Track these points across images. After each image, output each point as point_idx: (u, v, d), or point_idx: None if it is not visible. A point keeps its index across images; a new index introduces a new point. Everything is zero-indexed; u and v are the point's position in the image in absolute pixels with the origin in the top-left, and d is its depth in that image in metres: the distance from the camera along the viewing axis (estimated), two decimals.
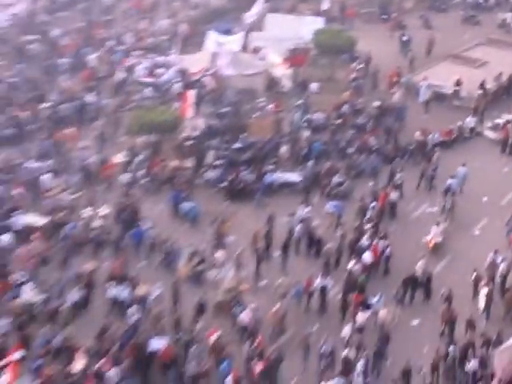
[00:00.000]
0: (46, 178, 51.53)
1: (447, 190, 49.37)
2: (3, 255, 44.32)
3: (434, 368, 35.70)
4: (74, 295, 41.00)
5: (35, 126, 58.85)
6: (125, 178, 52.02)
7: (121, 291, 41.31)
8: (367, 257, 42.88)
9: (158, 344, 37.28)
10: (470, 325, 37.46)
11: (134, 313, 39.46)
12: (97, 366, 35.77)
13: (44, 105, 60.60)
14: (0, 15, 74.47)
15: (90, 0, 79.86)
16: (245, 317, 38.65)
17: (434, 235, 45.78)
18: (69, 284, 41.89)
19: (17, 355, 36.54)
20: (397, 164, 53.13)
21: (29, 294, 41.64)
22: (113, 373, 35.91)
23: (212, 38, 67.31)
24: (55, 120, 58.98)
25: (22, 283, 42.02)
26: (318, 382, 34.93)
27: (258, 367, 35.46)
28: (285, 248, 44.38)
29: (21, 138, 58.06)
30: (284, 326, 39.01)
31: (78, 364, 36.07)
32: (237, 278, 42.39)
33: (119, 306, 40.60)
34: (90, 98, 62.16)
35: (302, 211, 46.78)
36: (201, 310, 39.68)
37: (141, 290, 41.43)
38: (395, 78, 63.64)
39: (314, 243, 45.12)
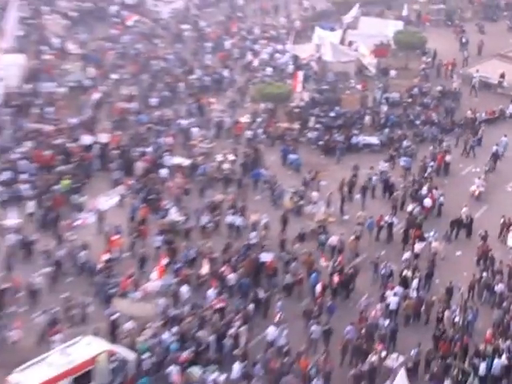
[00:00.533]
0: (192, 131, 55.22)
1: (493, 155, 53.54)
2: (158, 185, 47.75)
3: (471, 288, 39.15)
4: (205, 218, 44.26)
5: (185, 92, 62.11)
6: (248, 134, 55.59)
7: (236, 218, 44.61)
8: (427, 202, 46.50)
9: (266, 257, 40.12)
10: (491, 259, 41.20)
11: (251, 235, 42.49)
12: (220, 270, 39.40)
13: (192, 77, 64.28)
14: (163, 9, 77.11)
15: (229, 0, 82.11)
16: (333, 240, 41.82)
17: (477, 186, 49.48)
18: (203, 210, 45.04)
19: (164, 261, 40.06)
20: (452, 134, 57.71)
21: (173, 215, 44.95)
22: (231, 276, 39.17)
23: (318, 33, 70.01)
24: (200, 88, 62.48)
25: (169, 207, 45.41)
26: (382, 291, 37.96)
27: (338, 279, 38.68)
28: (363, 191, 47.87)
29: (174, 100, 60.80)
30: (359, 250, 42.32)
31: (205, 269, 39.51)
32: (326, 212, 45.58)
33: (236, 229, 43.85)
34: (225, 73, 65.98)
35: (381, 165, 50.47)
36: (300, 236, 42.55)
37: (253, 217, 44.54)
38: (450, 67, 68.49)
39: (387, 189, 48.78)
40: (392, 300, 37.81)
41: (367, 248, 43.21)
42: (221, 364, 33.66)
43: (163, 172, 49.89)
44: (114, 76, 63.95)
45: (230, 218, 45.22)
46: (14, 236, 42.29)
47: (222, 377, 32.48)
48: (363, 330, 35.33)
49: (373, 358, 33.39)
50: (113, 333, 35.52)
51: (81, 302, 37.50)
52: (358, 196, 48.59)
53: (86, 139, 52.73)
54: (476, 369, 33.20)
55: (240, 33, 73.35)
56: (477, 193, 49.58)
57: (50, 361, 32.19)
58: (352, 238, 42.84)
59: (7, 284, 38.50)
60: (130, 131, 55.32)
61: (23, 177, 48.41)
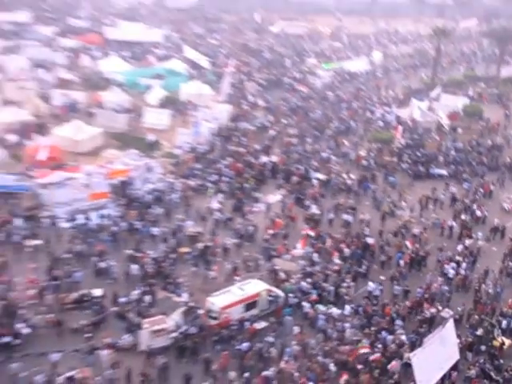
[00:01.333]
0: (330, 158, 59.28)
1: None
2: (306, 190, 52.44)
3: (500, 271, 43.38)
4: (331, 214, 48.68)
5: (327, 134, 65.08)
6: (364, 162, 59.39)
7: (349, 216, 48.76)
8: (477, 213, 51.13)
9: (370, 240, 44.68)
10: None
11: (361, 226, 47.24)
12: (340, 246, 43.60)
13: (332, 125, 66.93)
14: (317, 81, 79.28)
15: (357, 79, 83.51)
16: (416, 231, 46.84)
17: (508, 204, 53.62)
18: (332, 208, 49.70)
19: (305, 237, 44.26)
20: (495, 172, 60.28)
21: (313, 210, 49.02)
22: (347, 250, 43.25)
23: (413, 102, 72.36)
24: (336, 133, 65.75)
25: (311, 204, 49.91)
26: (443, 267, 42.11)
27: (409, 258, 43.36)
28: (435, 203, 52.75)
29: (320, 139, 64.08)
30: (428, 240, 46.54)
31: (329, 243, 43.90)
32: (410, 215, 50.05)
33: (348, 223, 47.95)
34: (352, 124, 68.46)
35: (450, 188, 55.11)
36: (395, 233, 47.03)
37: (361, 216, 48.70)
38: (497, 127, 71.21)
39: (453, 202, 53.26)
40: (450, 271, 41.78)
41: (434, 239, 47.03)
42: (336, 305, 37.53)
43: (309, 182, 54.38)
44: (284, 121, 66.22)
45: (345, 216, 48.90)
46: (218, 214, 47.86)
47: (338, 311, 36.76)
48: (427, 295, 38.97)
49: (432, 310, 37.18)
50: (272, 279, 39.92)
51: (254, 258, 42.27)
52: (431, 206, 52.61)
53: (264, 158, 57.49)
54: (500, 323, 36.63)
55: (363, 99, 74.86)
56: (508, 209, 53.41)
57: (233, 291, 36.80)
58: (425, 234, 46.97)
59: (211, 243, 43.59)
60: (291, 156, 59.17)
61: (225, 179, 53.41)
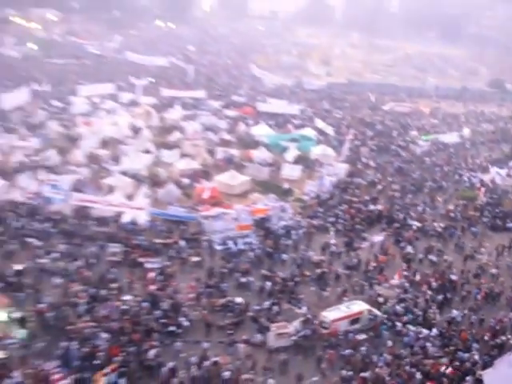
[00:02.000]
0: (424, 210, 57.12)
1: None
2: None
3: None
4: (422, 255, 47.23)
5: (425, 191, 62.58)
6: (452, 214, 56.55)
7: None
8: None
9: (454, 277, 43.16)
10: None
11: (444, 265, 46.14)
12: (429, 279, 42.44)
13: (428, 183, 64.14)
14: (417, 149, 76.31)
15: (447, 150, 78.71)
16: (492, 272, 45.10)
17: None
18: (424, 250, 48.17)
19: (401, 271, 43.43)
20: None
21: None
22: (434, 283, 42.23)
23: (495, 169, 69.42)
24: (432, 190, 62.98)
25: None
26: None
27: (485, 294, 41.54)
28: (510, 250, 50.46)
29: (418, 194, 61.73)
30: (502, 280, 44.10)
31: (418, 278, 42.92)
32: (487, 259, 47.78)
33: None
34: (444, 184, 65.05)
35: None
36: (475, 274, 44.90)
37: (445, 257, 47.15)
38: None
39: None
40: None
41: (508, 280, 44.58)
42: (423, 326, 36.58)
43: (407, 228, 52.37)
44: (389, 179, 64.81)
45: (433, 256, 47.28)
46: (334, 248, 47.16)
47: (425, 332, 35.98)
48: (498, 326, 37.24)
49: (503, 337, 35.60)
50: (373, 301, 39.06)
51: (360, 284, 41.86)
52: (506, 253, 50.12)
53: (372, 207, 55.89)
54: None
55: (454, 165, 71.99)
56: None
57: (341, 309, 36.84)
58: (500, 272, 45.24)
59: (327, 270, 43.06)
60: (394, 206, 57.10)
61: (340, 221, 52.39)
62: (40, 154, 62.21)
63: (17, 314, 34.56)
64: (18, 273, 39.41)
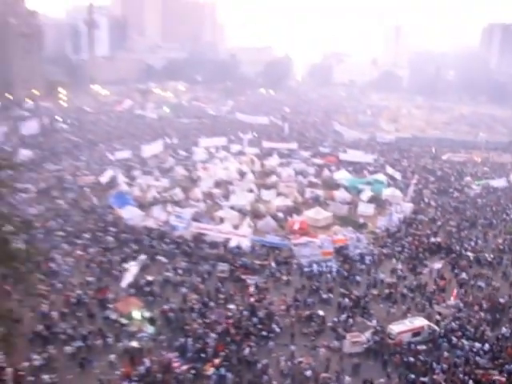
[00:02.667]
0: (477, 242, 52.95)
1: None
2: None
3: None
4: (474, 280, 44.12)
5: (480, 227, 57.50)
6: (501, 247, 51.68)
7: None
8: None
9: (502, 300, 40.68)
10: None
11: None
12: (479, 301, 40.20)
13: (479, 221, 59.24)
14: (471, 192, 71.14)
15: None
16: None
17: None
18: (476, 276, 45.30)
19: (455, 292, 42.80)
20: None
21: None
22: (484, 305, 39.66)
23: None
24: (484, 226, 58.26)
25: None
26: None
27: None
28: None
29: (469, 228, 57.05)
30: None
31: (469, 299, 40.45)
32: None
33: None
34: (494, 221, 59.97)
35: None
36: None
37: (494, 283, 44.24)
38: None
39: None
40: None
41: None
42: (476, 341, 34.42)
43: (462, 257, 48.81)
44: (447, 216, 60.74)
45: (483, 282, 43.93)
46: (399, 272, 45.01)
47: (478, 345, 33.89)
48: None
49: None
50: (431, 318, 37.11)
51: (422, 303, 40.02)
52: None
53: (432, 239, 52.30)
54: None
55: (502, 205, 66.85)
56: None
57: (406, 323, 35.70)
58: None
59: (393, 290, 41.05)
60: (451, 239, 53.52)
61: (406, 250, 49.77)
62: (168, 192, 63.94)
63: (147, 314, 35.79)
64: (149, 282, 40.80)
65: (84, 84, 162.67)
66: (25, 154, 76.02)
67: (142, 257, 44.29)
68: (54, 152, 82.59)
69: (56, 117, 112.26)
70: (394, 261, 48.42)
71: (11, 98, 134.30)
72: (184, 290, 39.89)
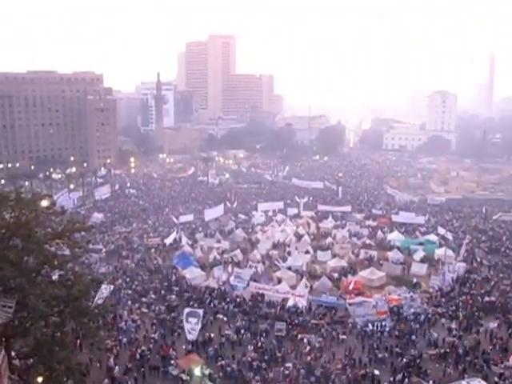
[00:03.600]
0: None
1: None
2: None
3: None
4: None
5: None
6: None
7: None
8: None
9: None
10: None
11: None
12: None
13: None
14: None
15: None
16: None
17: None
18: None
19: None
20: None
21: None
22: None
23: None
24: None
25: None
26: None
27: None
28: None
29: None
30: None
31: None
32: None
33: None
34: None
35: None
36: None
37: None
38: None
39: None
40: None
41: None
42: None
43: None
44: (500, 275, 58.70)
45: None
46: (454, 332, 43.39)
47: None
48: None
49: None
50: (489, 379, 35.57)
51: (478, 363, 37.86)
52: None
53: (486, 298, 50.94)
54: None
55: None
56: None
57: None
58: None
59: (448, 350, 40.16)
60: (504, 295, 51.68)
61: (461, 310, 48.21)
62: (229, 253, 65.31)
63: (208, 371, 35.75)
64: (210, 340, 40.84)
65: (152, 153, 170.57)
66: (97, 216, 79.25)
67: (203, 314, 44.54)
68: (123, 215, 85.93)
69: (127, 183, 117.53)
70: (448, 320, 46.67)
71: (87, 166, 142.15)
72: (243, 347, 39.85)
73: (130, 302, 47.70)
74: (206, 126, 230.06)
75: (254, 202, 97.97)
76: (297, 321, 44.91)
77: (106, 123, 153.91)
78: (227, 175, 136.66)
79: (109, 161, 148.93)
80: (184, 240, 69.34)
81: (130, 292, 50.22)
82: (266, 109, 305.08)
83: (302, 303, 48.77)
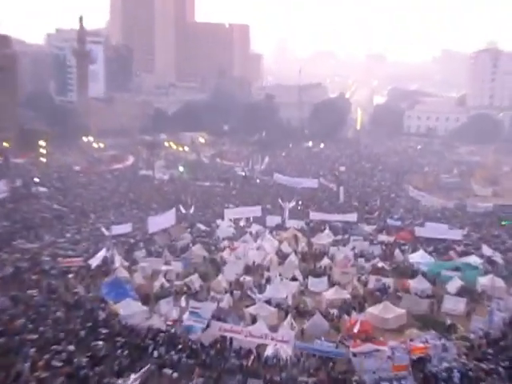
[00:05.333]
0: None
1: None
2: None
3: None
4: None
5: None
6: None
7: None
8: None
9: None
10: None
11: None
12: None
13: None
14: None
15: None
16: None
17: None
18: None
19: None
20: None
21: None
22: None
23: None
24: None
25: None
26: None
27: None
28: None
29: None
30: None
31: None
32: None
33: None
34: None
35: None
36: None
37: None
38: None
39: None
40: None
41: None
42: None
43: None
44: None
45: None
46: None
47: None
48: None
49: None
50: None
51: None
52: None
53: None
54: None
55: None
56: None
57: None
58: None
59: None
60: None
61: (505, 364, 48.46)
62: (183, 280, 65.16)
63: None
64: None
65: (72, 134, 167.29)
66: None
67: (145, 369, 43.88)
68: (27, 225, 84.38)
69: (33, 178, 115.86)
70: (498, 382, 46.17)
71: None
72: None
73: (34, 352, 45.95)
74: (151, 98, 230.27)
75: (220, 207, 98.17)
76: (279, 378, 44.51)
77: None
78: (182, 168, 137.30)
79: (5, 144, 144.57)
80: (118, 261, 68.83)
81: (35, 337, 48.55)
82: (238, 73, 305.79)
83: (287, 352, 48.45)
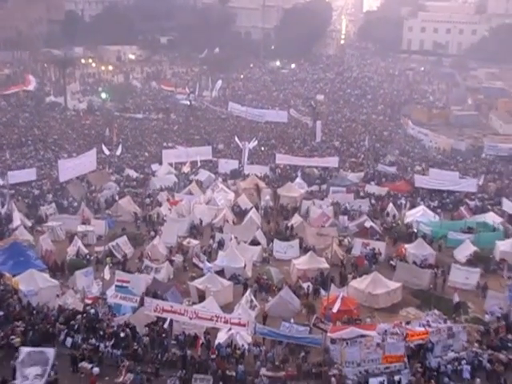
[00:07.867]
0: None
1: None
2: None
3: None
4: None
5: None
6: None
7: None
8: None
9: None
10: None
11: None
12: None
13: None
14: None
15: None
16: None
17: None
18: None
19: None
20: None
21: None
22: None
23: None
24: None
25: None
26: None
27: None
28: None
29: None
30: None
31: None
32: None
33: None
34: None
35: None
36: None
37: None
38: None
39: None
40: None
41: None
42: None
43: None
44: None
45: None
46: None
47: None
48: None
49: None
50: None
51: None
52: None
53: None
54: None
55: None
56: None
57: None
58: None
59: None
60: None
61: None
62: (106, 244, 64.24)
63: None
64: None
65: None
66: None
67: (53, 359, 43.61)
68: None
69: None
70: None
71: None
72: None
73: None
74: None
75: (157, 146, 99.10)
76: (234, 372, 45.02)
77: None
78: (104, 95, 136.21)
79: None
80: (17, 219, 68.43)
81: None
82: None
83: (244, 339, 49.05)
